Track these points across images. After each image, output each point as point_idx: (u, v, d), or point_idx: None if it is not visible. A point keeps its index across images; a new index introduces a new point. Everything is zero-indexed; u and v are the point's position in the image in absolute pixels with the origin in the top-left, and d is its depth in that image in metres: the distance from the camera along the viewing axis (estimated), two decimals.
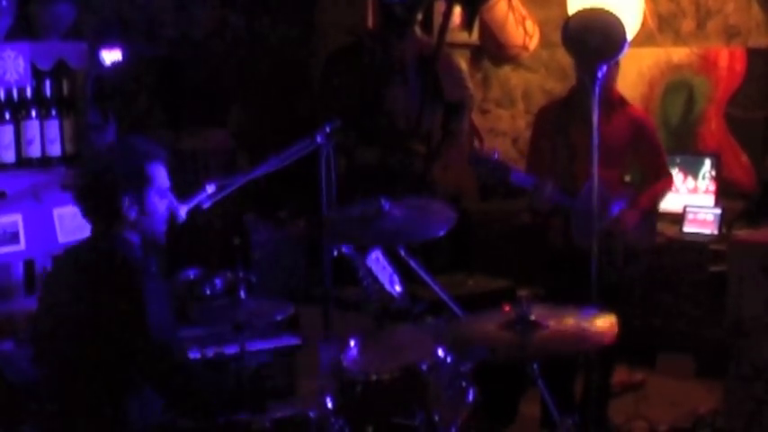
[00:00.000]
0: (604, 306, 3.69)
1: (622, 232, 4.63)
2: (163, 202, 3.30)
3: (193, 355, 3.70)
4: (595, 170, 4.14)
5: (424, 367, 3.34)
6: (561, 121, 4.75)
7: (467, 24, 6.37)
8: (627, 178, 4.99)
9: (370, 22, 6.15)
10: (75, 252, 3.33)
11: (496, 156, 4.50)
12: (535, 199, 4.55)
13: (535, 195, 4.53)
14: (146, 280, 3.13)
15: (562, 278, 4.65)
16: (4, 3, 4.31)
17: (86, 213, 3.24)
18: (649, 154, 4.86)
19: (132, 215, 3.21)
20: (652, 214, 4.89)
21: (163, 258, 3.70)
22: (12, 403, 3.75)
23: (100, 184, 3.19)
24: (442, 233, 3.71)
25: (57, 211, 4.42)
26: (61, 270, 3.38)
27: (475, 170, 4.53)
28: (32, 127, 4.39)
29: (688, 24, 6.21)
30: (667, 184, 4.95)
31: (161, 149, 3.32)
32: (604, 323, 3.36)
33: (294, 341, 4.25)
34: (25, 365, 3.76)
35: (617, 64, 4.66)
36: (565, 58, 4.96)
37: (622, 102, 4.87)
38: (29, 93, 4.38)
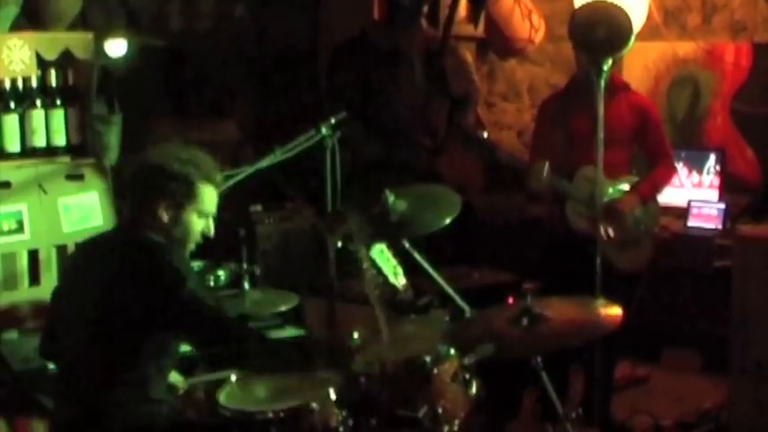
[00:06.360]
0: (609, 295, 3.70)
1: (620, 215, 4.62)
2: (201, 222, 3.29)
3: None
4: (599, 163, 4.13)
5: (428, 360, 3.33)
6: (562, 111, 4.76)
7: (473, 17, 6.36)
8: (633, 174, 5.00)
9: (375, 14, 6.14)
10: (102, 237, 3.38)
11: (485, 135, 4.53)
12: (532, 180, 4.56)
13: (531, 175, 4.55)
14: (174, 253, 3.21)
15: (561, 267, 4.62)
16: None
17: (125, 199, 3.29)
18: (653, 140, 4.89)
19: (163, 219, 3.21)
20: (653, 202, 4.88)
21: None
22: (16, 392, 3.76)
23: (147, 177, 3.22)
24: (447, 221, 3.71)
25: (61, 201, 4.43)
26: (89, 254, 3.37)
27: (465, 148, 4.55)
28: (37, 117, 4.40)
29: (694, 19, 6.19)
30: (669, 173, 4.96)
31: (217, 174, 3.31)
32: (609, 311, 3.36)
33: (298, 333, 4.25)
34: (30, 354, 3.77)
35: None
36: (571, 52, 4.94)
37: (625, 87, 4.89)
38: (34, 82, 4.38)
